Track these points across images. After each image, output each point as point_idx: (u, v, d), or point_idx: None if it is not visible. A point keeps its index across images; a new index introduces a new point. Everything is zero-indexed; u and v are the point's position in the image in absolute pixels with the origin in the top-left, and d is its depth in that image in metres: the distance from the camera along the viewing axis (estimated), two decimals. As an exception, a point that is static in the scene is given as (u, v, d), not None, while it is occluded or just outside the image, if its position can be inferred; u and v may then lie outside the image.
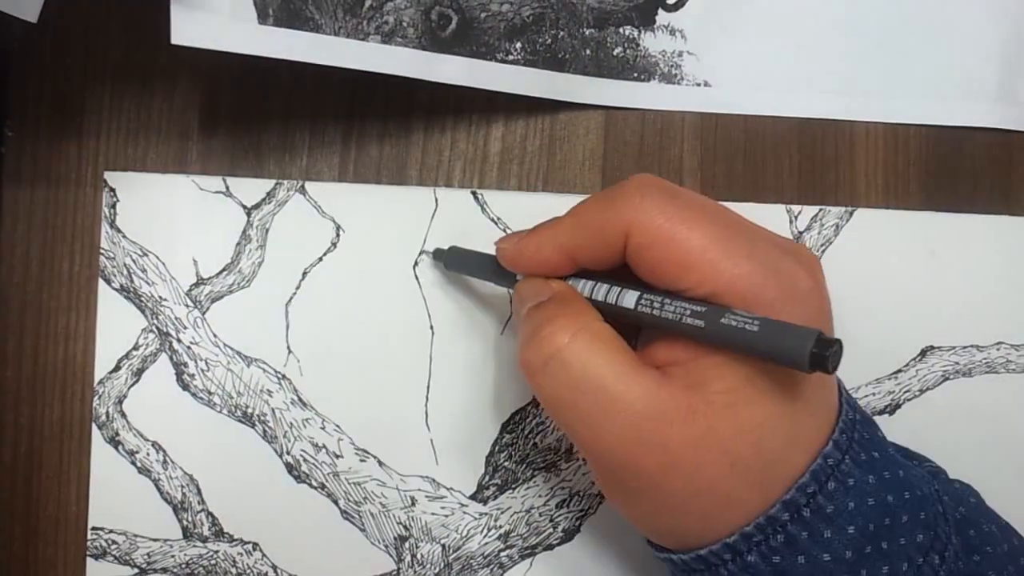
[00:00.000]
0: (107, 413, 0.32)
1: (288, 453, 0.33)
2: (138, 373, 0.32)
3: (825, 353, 0.22)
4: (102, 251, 0.32)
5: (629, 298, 0.26)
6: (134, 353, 0.32)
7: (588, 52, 0.33)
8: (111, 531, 0.32)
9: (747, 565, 0.24)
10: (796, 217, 0.34)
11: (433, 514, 0.33)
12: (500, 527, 0.33)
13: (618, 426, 0.24)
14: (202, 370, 0.33)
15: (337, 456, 0.33)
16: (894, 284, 0.34)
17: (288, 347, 0.33)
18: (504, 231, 0.33)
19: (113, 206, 0.32)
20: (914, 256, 0.34)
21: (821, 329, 0.22)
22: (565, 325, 0.25)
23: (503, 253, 0.28)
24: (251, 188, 0.33)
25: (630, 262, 0.26)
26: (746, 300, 0.24)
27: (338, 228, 0.33)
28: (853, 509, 0.24)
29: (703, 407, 0.24)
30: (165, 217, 0.32)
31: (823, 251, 0.34)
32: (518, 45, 0.33)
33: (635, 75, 0.34)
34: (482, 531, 0.33)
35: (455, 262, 0.32)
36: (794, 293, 0.24)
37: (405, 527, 0.33)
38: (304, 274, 0.33)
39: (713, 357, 0.24)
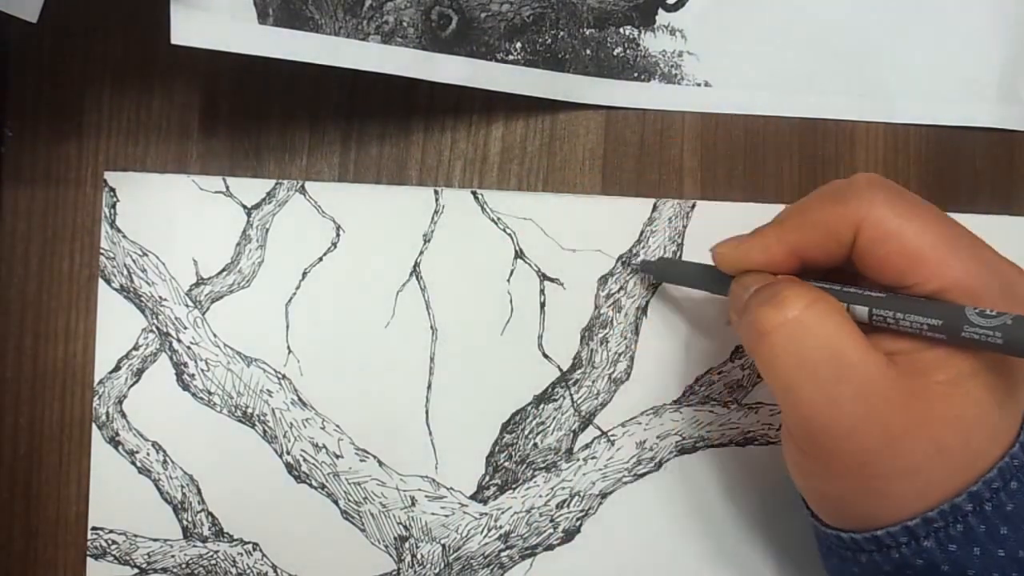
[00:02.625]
0: (107, 413, 0.32)
1: (288, 453, 0.33)
2: (138, 373, 0.32)
3: None
4: (102, 251, 0.32)
5: (860, 312, 0.26)
6: (134, 353, 0.32)
7: (588, 52, 0.33)
8: (111, 531, 0.32)
9: (922, 550, 0.25)
10: (796, 217, 0.34)
11: (433, 514, 0.33)
12: (500, 527, 0.33)
13: (849, 394, 0.24)
14: (202, 370, 0.33)
15: (337, 456, 0.33)
16: (894, 284, 0.34)
17: (288, 347, 0.33)
18: (504, 231, 0.33)
19: (113, 206, 0.32)
20: (914, 256, 0.34)
21: None
22: (803, 293, 0.25)
23: (723, 258, 0.29)
24: (251, 188, 0.33)
25: (856, 258, 0.26)
26: (973, 296, 0.24)
27: (338, 228, 0.33)
28: None
29: (923, 393, 0.24)
30: (165, 217, 0.32)
31: (823, 251, 0.34)
32: (518, 45, 0.33)
33: (635, 75, 0.34)
34: (482, 531, 0.33)
35: (665, 272, 0.32)
36: (1016, 294, 0.25)
37: (405, 527, 0.33)
38: (304, 274, 0.33)
39: (937, 350, 0.25)
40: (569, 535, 0.34)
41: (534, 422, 0.33)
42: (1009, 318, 0.23)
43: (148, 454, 0.32)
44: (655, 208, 0.34)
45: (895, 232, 0.25)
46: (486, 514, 0.33)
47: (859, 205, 0.26)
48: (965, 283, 0.25)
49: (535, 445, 0.33)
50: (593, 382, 0.34)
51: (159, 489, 0.32)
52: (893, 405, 0.24)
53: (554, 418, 0.33)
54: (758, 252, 0.28)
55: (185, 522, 0.32)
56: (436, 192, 0.33)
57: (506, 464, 0.33)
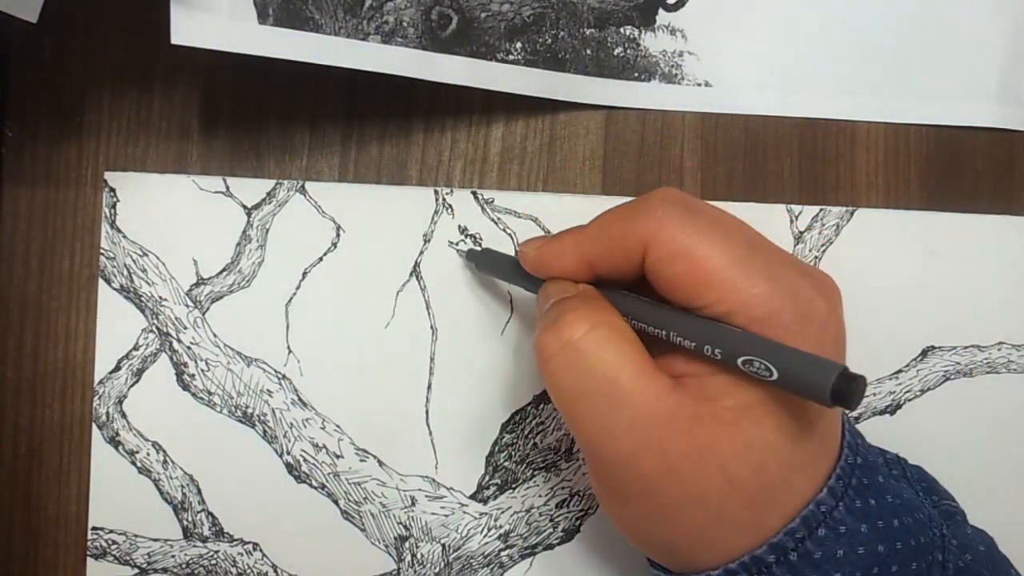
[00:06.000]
0: (107, 413, 0.32)
1: (288, 453, 0.33)
2: (138, 373, 0.32)
3: (848, 388, 0.21)
4: (102, 251, 0.32)
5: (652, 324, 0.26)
6: (134, 353, 0.32)
7: (588, 52, 0.33)
8: (111, 531, 0.32)
9: None
10: (796, 217, 0.34)
11: (433, 514, 0.33)
12: (500, 527, 0.33)
13: (623, 424, 0.24)
14: (202, 370, 0.33)
15: (337, 456, 0.33)
16: (894, 284, 0.34)
17: (288, 347, 0.33)
18: (504, 231, 0.33)
19: (113, 206, 0.32)
20: (914, 256, 0.34)
21: (839, 359, 0.22)
22: (586, 315, 0.25)
23: (524, 257, 0.28)
24: (251, 188, 0.33)
25: (648, 276, 0.26)
26: (762, 321, 0.24)
27: (338, 228, 0.33)
28: (842, 557, 0.24)
29: (709, 420, 0.24)
30: (165, 217, 0.32)
31: (823, 251, 0.34)
32: (518, 45, 0.33)
33: (635, 75, 0.34)
34: (482, 531, 0.33)
35: (486, 263, 0.32)
36: (811, 318, 0.24)
37: (405, 527, 0.33)
38: (304, 274, 0.33)
39: (726, 375, 0.24)
40: (569, 535, 0.34)
41: (534, 422, 0.33)
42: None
43: (148, 454, 0.32)
44: (655, 208, 0.34)
45: (682, 252, 0.24)
46: (486, 514, 0.33)
47: (648, 222, 0.25)
48: (753, 305, 0.24)
49: (535, 445, 0.33)
50: (593, 382, 0.34)
51: (159, 489, 0.32)
52: (672, 432, 0.24)
53: (554, 418, 0.33)
54: (553, 257, 0.27)
55: (185, 522, 0.32)
56: (436, 192, 0.33)
57: (506, 464, 0.33)
